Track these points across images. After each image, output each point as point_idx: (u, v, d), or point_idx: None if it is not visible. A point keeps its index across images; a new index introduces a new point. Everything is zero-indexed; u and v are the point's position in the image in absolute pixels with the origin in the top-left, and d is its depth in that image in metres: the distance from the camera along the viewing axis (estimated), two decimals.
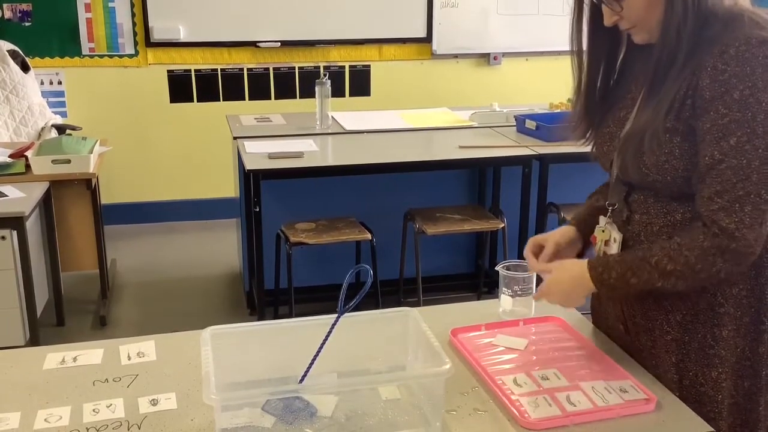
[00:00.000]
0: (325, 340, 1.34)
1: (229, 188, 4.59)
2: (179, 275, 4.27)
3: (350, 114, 4.16)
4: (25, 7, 4.61)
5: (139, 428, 1.33)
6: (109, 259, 4.16)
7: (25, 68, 4.43)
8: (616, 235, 1.54)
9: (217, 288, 4.13)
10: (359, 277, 1.39)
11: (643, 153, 1.41)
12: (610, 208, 1.56)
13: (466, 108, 4.30)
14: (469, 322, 1.69)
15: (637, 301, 1.53)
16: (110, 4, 4.71)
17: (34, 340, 3.20)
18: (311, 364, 1.33)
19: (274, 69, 5.06)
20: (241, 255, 3.97)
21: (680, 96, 1.37)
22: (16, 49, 4.44)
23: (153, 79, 4.90)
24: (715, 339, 1.45)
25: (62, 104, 4.80)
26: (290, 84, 5.10)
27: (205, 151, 5.03)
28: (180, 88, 4.95)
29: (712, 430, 1.35)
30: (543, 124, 3.61)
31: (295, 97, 5.11)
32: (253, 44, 4.94)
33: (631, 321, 1.57)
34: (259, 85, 5.05)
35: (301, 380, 1.33)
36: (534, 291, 1.74)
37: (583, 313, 1.78)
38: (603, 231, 1.57)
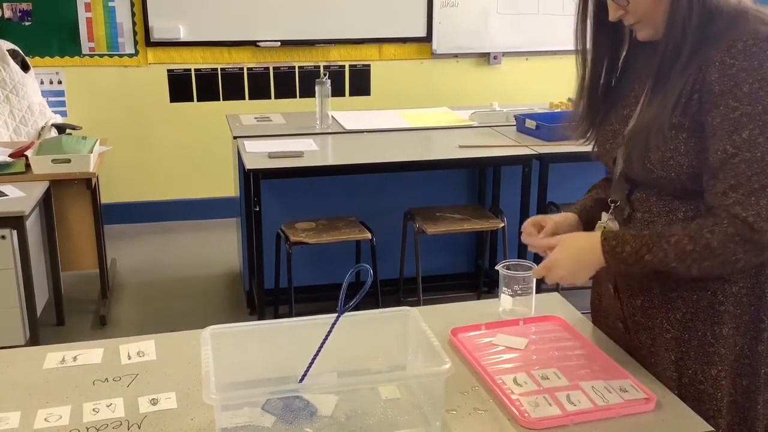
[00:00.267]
0: (325, 339, 1.34)
1: (229, 188, 4.59)
2: (179, 275, 4.27)
3: (350, 113, 4.16)
4: (25, 6, 4.61)
5: (139, 428, 1.33)
6: (109, 259, 4.16)
7: (25, 68, 4.43)
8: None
9: (217, 287, 4.13)
10: (359, 276, 1.39)
11: (648, 149, 1.41)
12: (612, 204, 1.56)
13: (466, 107, 4.30)
14: (469, 321, 1.69)
15: (638, 298, 1.53)
16: (110, 4, 4.71)
17: (34, 340, 3.20)
18: (311, 363, 1.33)
19: (274, 68, 5.05)
20: (241, 254, 3.97)
21: (686, 91, 1.37)
22: (16, 48, 4.44)
23: (153, 79, 4.90)
24: (715, 337, 1.45)
25: (62, 104, 4.80)
26: (290, 83, 5.10)
27: (205, 151, 5.03)
28: (180, 87, 4.95)
29: (712, 429, 1.35)
30: (543, 124, 3.61)
31: (295, 97, 5.11)
32: (253, 44, 4.94)
33: (631, 319, 1.57)
34: (259, 85, 5.05)
35: (301, 380, 1.33)
36: (534, 291, 1.74)
37: (582, 313, 1.78)
38: (604, 227, 1.57)
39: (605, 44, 1.54)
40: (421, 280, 3.50)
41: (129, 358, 1.56)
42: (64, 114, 4.77)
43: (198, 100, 5.00)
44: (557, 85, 4.64)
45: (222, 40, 4.89)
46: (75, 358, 1.56)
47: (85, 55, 4.77)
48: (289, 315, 3.39)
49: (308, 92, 4.71)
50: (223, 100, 5.02)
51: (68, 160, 3.36)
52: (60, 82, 4.79)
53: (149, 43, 4.79)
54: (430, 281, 3.80)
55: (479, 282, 4.02)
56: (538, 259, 1.72)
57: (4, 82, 4.25)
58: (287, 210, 3.58)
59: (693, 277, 1.40)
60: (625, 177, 1.52)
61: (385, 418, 1.37)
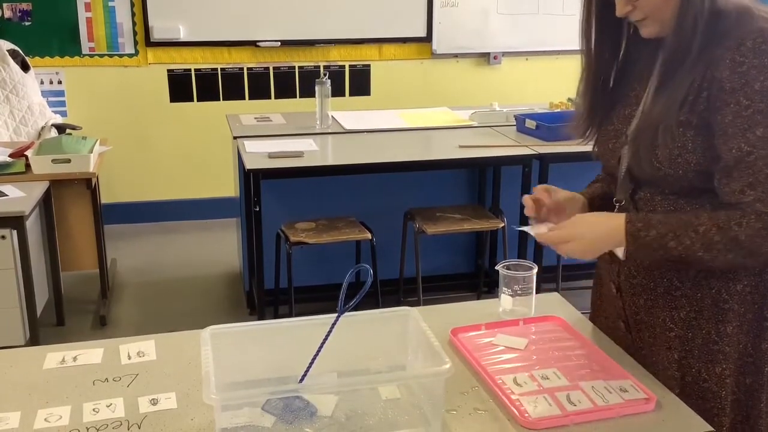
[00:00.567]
0: (325, 339, 1.34)
1: (229, 188, 4.59)
2: (179, 275, 4.27)
3: (350, 113, 4.16)
4: (25, 6, 4.61)
5: (139, 428, 1.33)
6: (109, 259, 4.16)
7: (25, 68, 4.43)
8: None
9: (217, 287, 4.13)
10: (359, 276, 1.39)
11: (656, 146, 1.41)
12: (617, 204, 1.56)
13: (466, 107, 4.30)
14: (469, 321, 1.69)
15: (641, 297, 1.53)
16: (110, 4, 4.71)
17: (34, 340, 3.20)
18: (311, 363, 1.33)
19: (274, 68, 5.05)
20: (241, 254, 3.97)
21: (693, 89, 1.37)
22: (16, 48, 4.44)
23: (153, 79, 4.90)
24: (719, 335, 1.45)
25: (62, 104, 4.80)
26: (290, 83, 5.10)
27: (205, 151, 5.03)
28: (180, 87, 4.95)
29: (712, 429, 1.35)
30: (543, 124, 3.61)
31: (295, 97, 5.11)
32: (253, 44, 4.94)
33: (633, 318, 1.57)
34: (259, 85, 5.06)
35: (301, 380, 1.33)
36: (534, 291, 1.74)
37: (582, 312, 1.78)
38: None
39: (608, 43, 1.54)
40: (421, 280, 3.50)
41: (129, 358, 1.56)
42: (64, 114, 4.77)
43: (198, 100, 5.00)
44: (557, 85, 4.65)
45: (222, 40, 4.89)
46: (75, 358, 1.56)
47: (85, 55, 4.77)
48: (289, 315, 3.39)
49: (308, 92, 4.71)
50: (223, 100, 5.02)
51: (68, 160, 3.36)
52: (60, 82, 4.79)
53: (149, 43, 4.79)
54: (430, 281, 3.80)
55: (479, 282, 4.02)
56: (538, 258, 1.72)
57: (4, 82, 4.25)
58: (287, 210, 3.58)
59: (715, 267, 1.38)
60: (629, 176, 1.52)
61: (385, 418, 1.37)
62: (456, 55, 5.28)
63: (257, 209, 3.27)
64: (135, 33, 4.79)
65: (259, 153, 3.38)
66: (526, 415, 1.35)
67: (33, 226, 3.29)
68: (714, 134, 1.37)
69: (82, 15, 4.70)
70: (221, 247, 4.58)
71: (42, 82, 4.70)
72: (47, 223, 3.47)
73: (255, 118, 4.10)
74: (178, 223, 5.06)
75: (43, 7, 4.63)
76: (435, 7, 5.08)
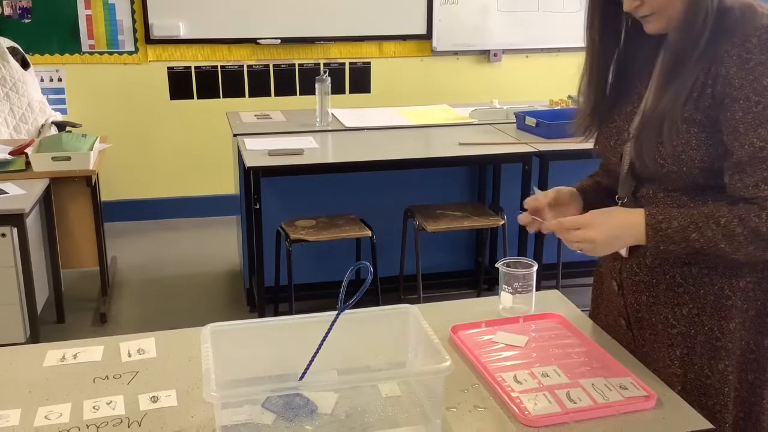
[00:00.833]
0: (325, 337, 1.34)
1: (229, 185, 4.59)
2: (179, 272, 4.27)
3: (350, 111, 4.16)
4: (24, 4, 4.61)
5: (140, 425, 1.33)
6: (109, 257, 4.16)
7: (25, 65, 4.43)
8: None
9: (217, 285, 4.13)
10: (359, 274, 1.39)
11: (660, 143, 1.41)
12: (620, 201, 1.56)
13: (466, 105, 4.30)
14: (469, 319, 1.69)
15: (643, 294, 1.53)
16: (110, 1, 4.71)
17: (34, 337, 3.20)
18: (311, 361, 1.33)
19: (274, 66, 5.05)
20: (242, 252, 3.97)
21: (698, 85, 1.37)
22: (16, 46, 4.44)
23: (153, 76, 4.89)
24: (722, 332, 1.45)
25: (62, 101, 4.80)
26: (290, 81, 5.10)
27: (206, 148, 5.03)
28: (180, 85, 4.95)
29: (712, 427, 1.35)
30: (543, 121, 3.61)
31: (295, 94, 5.11)
32: (253, 41, 4.93)
33: (635, 316, 1.57)
34: (259, 82, 5.05)
35: (302, 377, 1.33)
36: (534, 288, 1.74)
37: (582, 310, 1.78)
38: None
39: (610, 38, 1.53)
40: (422, 278, 3.50)
41: (129, 355, 1.56)
42: (64, 112, 4.77)
43: (198, 98, 5.00)
44: (557, 82, 4.64)
45: (222, 38, 4.89)
46: (75, 356, 1.56)
47: (85, 52, 4.77)
48: (290, 312, 3.39)
49: (308, 90, 4.71)
50: (223, 97, 5.02)
51: (68, 158, 3.36)
52: (60, 80, 4.79)
53: (149, 40, 4.79)
54: (430, 279, 3.80)
55: (479, 279, 4.02)
56: (538, 256, 1.72)
57: (4, 80, 4.25)
58: (287, 207, 3.58)
59: (737, 259, 1.38)
60: (631, 173, 1.52)
61: (385, 415, 1.37)
62: (456, 53, 5.27)
63: (257, 207, 3.27)
64: (135, 30, 4.78)
65: (259, 150, 3.38)
66: (527, 412, 1.35)
67: (33, 224, 3.29)
68: (720, 131, 1.37)
69: (82, 12, 4.70)
70: (221, 245, 4.58)
71: (42, 80, 4.70)
72: (47, 221, 3.47)
73: (255, 115, 4.10)
74: (178, 221, 5.07)
75: (43, 4, 4.63)
76: (435, 5, 5.08)
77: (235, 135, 3.70)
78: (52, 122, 4.40)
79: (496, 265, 1.75)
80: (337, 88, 4.83)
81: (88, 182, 3.48)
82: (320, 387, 1.35)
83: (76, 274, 3.92)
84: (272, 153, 3.34)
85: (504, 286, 1.74)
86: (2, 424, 1.33)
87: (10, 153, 3.46)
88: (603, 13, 1.50)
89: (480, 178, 3.94)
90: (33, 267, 3.18)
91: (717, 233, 1.35)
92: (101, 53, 4.79)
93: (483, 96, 4.91)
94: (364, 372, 1.46)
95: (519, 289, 1.72)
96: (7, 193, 3.12)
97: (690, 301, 1.47)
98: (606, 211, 1.47)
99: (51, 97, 4.71)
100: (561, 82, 4.62)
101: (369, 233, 3.38)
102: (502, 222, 3.53)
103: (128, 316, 3.75)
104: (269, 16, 4.89)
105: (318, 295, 3.66)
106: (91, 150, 3.45)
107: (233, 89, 5.03)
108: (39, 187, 3.23)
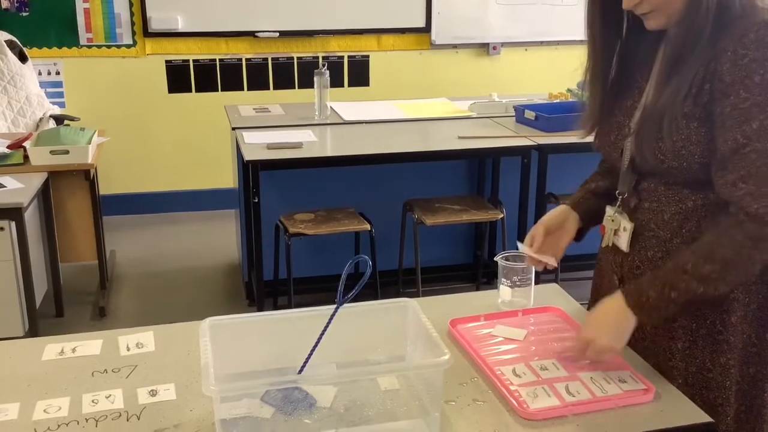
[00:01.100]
0: (324, 330, 1.34)
1: (227, 179, 4.58)
2: (178, 266, 4.27)
3: (349, 104, 4.15)
4: None
5: (138, 419, 1.33)
6: (108, 250, 4.16)
7: (22, 58, 4.42)
8: (627, 224, 1.53)
9: (216, 279, 4.13)
10: (358, 267, 1.39)
11: (660, 139, 1.40)
12: (620, 196, 1.55)
13: (465, 98, 4.29)
14: (468, 312, 1.69)
15: None
16: None
17: (33, 331, 3.20)
18: (310, 354, 1.33)
19: (272, 59, 5.04)
20: (240, 246, 3.96)
21: (698, 81, 1.36)
22: (14, 39, 4.43)
23: (151, 70, 4.88)
24: (724, 325, 1.45)
25: (60, 95, 4.79)
26: (289, 74, 5.09)
27: (204, 142, 5.02)
28: (178, 78, 4.94)
29: (711, 420, 1.35)
30: (542, 115, 3.61)
31: (294, 88, 5.10)
32: (252, 34, 4.92)
33: None
34: (257, 76, 5.04)
35: (300, 371, 1.33)
36: (533, 282, 1.74)
37: (581, 303, 1.78)
38: (612, 220, 1.57)
39: (611, 33, 1.52)
40: (420, 271, 3.50)
41: (128, 349, 1.56)
42: (62, 105, 4.76)
43: (196, 91, 4.99)
44: (556, 75, 4.62)
45: (220, 31, 4.88)
46: (74, 350, 1.56)
47: (83, 45, 4.75)
48: (288, 306, 3.39)
49: (307, 83, 4.70)
50: (222, 91, 5.01)
51: (66, 152, 3.35)
52: (58, 73, 4.78)
53: (147, 33, 4.78)
54: (429, 272, 3.80)
55: (478, 273, 4.02)
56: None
57: (1, 73, 4.24)
58: (286, 201, 3.58)
59: (725, 294, 1.39)
60: (632, 168, 1.51)
61: (384, 409, 1.37)
62: (455, 46, 5.26)
63: (256, 200, 3.27)
64: (133, 24, 4.77)
65: (257, 144, 3.38)
66: (525, 405, 1.35)
67: (32, 218, 3.29)
68: (715, 126, 1.36)
69: (80, 5, 4.68)
70: (220, 239, 4.58)
71: (40, 73, 4.68)
72: (46, 215, 3.46)
73: (254, 109, 4.09)
74: (176, 215, 5.06)
75: None
76: None
77: (233, 128, 3.70)
78: (50, 116, 4.39)
79: (495, 259, 1.75)
80: (336, 82, 4.82)
81: (87, 176, 3.47)
82: (319, 381, 1.35)
83: (75, 268, 3.92)
84: (271, 146, 3.34)
85: (503, 279, 1.74)
86: (1, 417, 1.33)
87: (8, 147, 3.46)
88: (603, 10, 1.50)
89: (479, 171, 3.94)
90: (31, 261, 3.18)
91: (690, 281, 1.35)
92: (99, 46, 4.78)
93: (482, 89, 4.91)
94: (363, 365, 1.46)
95: (518, 283, 1.72)
96: (5, 186, 3.12)
97: None
98: (593, 316, 1.48)
99: (49, 90, 4.70)
100: (560, 75, 4.60)
101: (368, 227, 3.38)
102: (501, 215, 3.53)
103: (127, 310, 3.75)
104: (268, 9, 4.88)
105: (317, 289, 3.66)
106: (90, 143, 3.44)
107: (231, 83, 5.02)
108: (37, 180, 3.23)
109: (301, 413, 1.32)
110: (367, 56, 5.18)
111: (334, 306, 1.36)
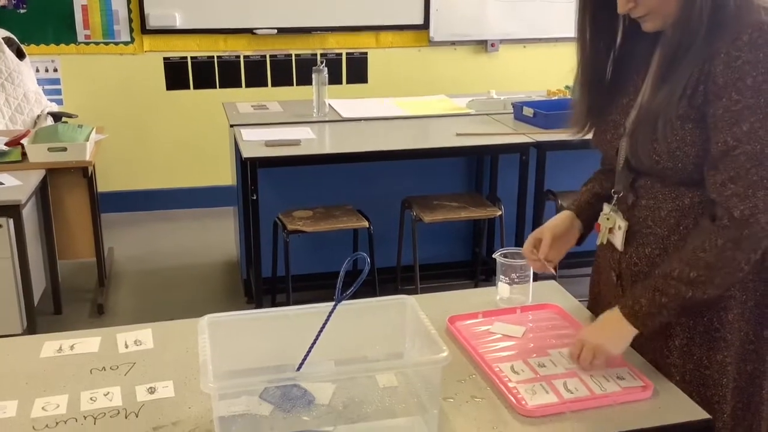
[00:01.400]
0: (323, 327, 1.34)
1: (226, 176, 4.58)
2: (176, 263, 4.27)
3: (347, 101, 4.15)
4: None
5: (137, 416, 1.33)
6: (106, 248, 4.15)
7: (20, 55, 4.41)
8: (621, 223, 1.54)
9: (214, 276, 4.13)
10: (356, 264, 1.39)
11: (655, 140, 1.40)
12: (616, 195, 1.56)
13: (463, 95, 4.29)
14: (467, 309, 1.69)
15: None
16: None
17: (31, 329, 3.20)
18: (309, 351, 1.33)
19: (270, 56, 5.03)
20: (239, 243, 3.96)
21: (692, 82, 1.37)
22: (12, 36, 4.42)
23: (149, 67, 4.87)
24: (721, 322, 1.46)
25: (58, 92, 4.78)
26: (287, 71, 5.08)
27: (202, 139, 5.01)
28: (176, 75, 4.93)
29: (708, 416, 1.35)
30: (540, 112, 3.61)
31: (292, 85, 5.09)
32: (250, 31, 4.91)
33: None
34: (255, 73, 5.04)
35: (299, 368, 1.33)
36: (531, 279, 1.74)
37: (579, 300, 1.78)
38: (608, 218, 1.57)
39: (604, 35, 1.52)
40: (419, 269, 3.50)
41: (126, 346, 1.56)
42: (60, 102, 4.75)
43: (194, 88, 4.98)
44: (555, 72, 4.62)
45: (218, 28, 4.86)
46: (72, 347, 1.56)
47: (80, 42, 4.74)
48: (287, 303, 3.39)
49: (305, 80, 4.68)
50: (220, 88, 5.00)
51: (64, 149, 3.35)
52: (56, 70, 4.77)
53: (145, 30, 4.77)
54: (428, 269, 3.80)
55: (476, 270, 4.02)
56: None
57: None
58: (284, 198, 3.58)
59: (716, 296, 1.40)
60: (628, 167, 1.51)
61: (382, 406, 1.37)
62: (453, 43, 5.26)
63: (254, 198, 3.27)
64: (131, 20, 4.76)
65: (256, 141, 3.38)
66: (524, 402, 1.35)
67: (29, 215, 3.28)
68: (708, 128, 1.37)
69: (78, 2, 4.67)
70: (218, 236, 4.58)
71: (38, 70, 4.68)
72: (44, 212, 3.46)
73: (252, 106, 4.09)
74: (175, 212, 5.06)
75: None
76: None
77: (231, 126, 3.69)
78: (48, 113, 4.38)
79: (493, 256, 1.75)
80: (334, 79, 4.81)
81: (85, 173, 3.47)
82: (317, 378, 1.35)
83: (73, 265, 3.92)
84: (269, 144, 3.34)
85: (501, 276, 1.74)
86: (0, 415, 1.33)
87: (6, 144, 3.45)
88: (594, 19, 1.50)
89: (477, 168, 3.94)
90: (29, 258, 3.17)
91: (679, 287, 1.37)
92: (97, 43, 4.77)
93: (480, 86, 4.89)
94: (361, 363, 1.47)
95: (516, 280, 1.72)
96: (3, 184, 3.11)
97: None
98: (591, 328, 1.49)
99: (47, 87, 4.69)
100: (558, 72, 4.58)
101: (366, 224, 3.38)
102: (500, 213, 3.53)
103: (125, 307, 3.75)
104: (266, 6, 4.87)
105: (315, 286, 3.65)
106: (88, 141, 3.44)
107: (230, 80, 5.01)
108: (35, 178, 3.22)
109: (300, 410, 1.32)
110: (366, 53, 5.18)
111: (333, 303, 1.36)
